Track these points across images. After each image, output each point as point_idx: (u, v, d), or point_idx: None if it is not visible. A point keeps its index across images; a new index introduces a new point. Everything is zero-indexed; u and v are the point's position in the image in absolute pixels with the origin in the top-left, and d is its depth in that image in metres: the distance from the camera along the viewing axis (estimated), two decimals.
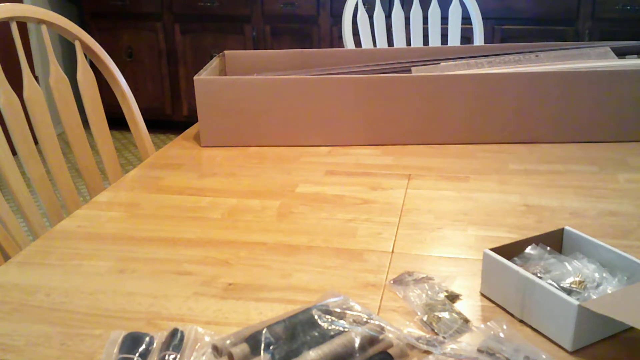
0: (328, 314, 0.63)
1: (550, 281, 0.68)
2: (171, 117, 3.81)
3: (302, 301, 0.72)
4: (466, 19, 2.20)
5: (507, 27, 3.20)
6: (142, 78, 3.75)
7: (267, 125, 1.24)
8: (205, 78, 1.22)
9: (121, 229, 0.92)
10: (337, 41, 3.41)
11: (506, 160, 1.15)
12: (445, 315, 0.67)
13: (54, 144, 1.21)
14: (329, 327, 0.61)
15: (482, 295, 0.72)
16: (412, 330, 0.66)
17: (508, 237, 0.87)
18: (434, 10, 2.18)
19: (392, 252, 0.83)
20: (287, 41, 3.49)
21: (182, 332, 0.63)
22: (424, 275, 0.76)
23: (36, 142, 1.17)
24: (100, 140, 1.31)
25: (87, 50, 1.31)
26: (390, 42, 2.28)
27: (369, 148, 1.23)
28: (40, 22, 1.22)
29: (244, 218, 0.94)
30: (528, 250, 0.73)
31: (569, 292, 0.67)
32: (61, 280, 0.78)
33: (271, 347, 0.58)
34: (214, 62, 1.41)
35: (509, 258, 0.71)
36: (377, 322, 0.62)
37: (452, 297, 0.71)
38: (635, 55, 1.38)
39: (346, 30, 2.06)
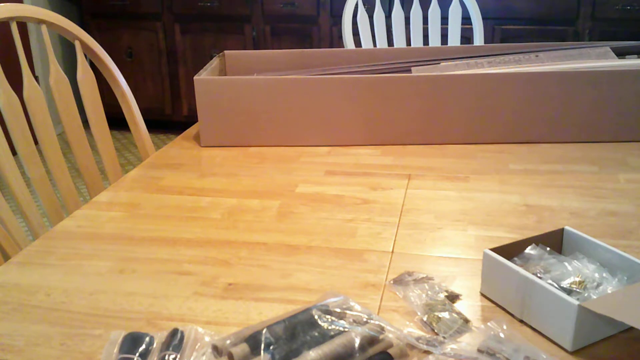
0: (328, 314, 0.63)
1: (550, 281, 0.68)
2: (171, 117, 3.81)
3: (302, 301, 0.72)
4: (466, 19, 2.20)
5: (507, 27, 3.20)
6: (142, 78, 3.75)
7: (267, 125, 1.24)
8: (205, 78, 1.22)
9: (121, 229, 0.92)
10: (337, 41, 3.41)
11: (506, 160, 1.15)
12: (445, 315, 0.67)
13: (54, 144, 1.21)
14: (329, 327, 0.61)
15: (482, 295, 0.72)
16: (412, 330, 0.66)
17: (508, 237, 0.87)
18: (434, 10, 2.18)
19: (392, 252, 0.83)
20: (287, 41, 3.49)
21: (182, 332, 0.63)
22: (424, 275, 0.76)
23: (36, 142, 1.17)
24: (100, 140, 1.31)
25: (87, 50, 1.31)
26: (390, 42, 2.28)
27: (369, 148, 1.23)
28: (40, 22, 1.22)
29: (244, 218, 0.94)
30: (528, 250, 0.73)
31: (569, 292, 0.67)
32: (61, 280, 0.78)
33: (271, 347, 0.58)
34: (214, 62, 1.41)
35: (509, 258, 0.71)
36: (377, 322, 0.62)
37: (452, 297, 0.71)
38: (635, 55, 1.38)
39: (346, 30, 2.06)
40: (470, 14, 2.18)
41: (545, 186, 1.03)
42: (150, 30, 3.65)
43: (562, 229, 0.76)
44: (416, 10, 2.17)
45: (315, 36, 3.44)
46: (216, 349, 0.60)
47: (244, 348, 0.59)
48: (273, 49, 2.74)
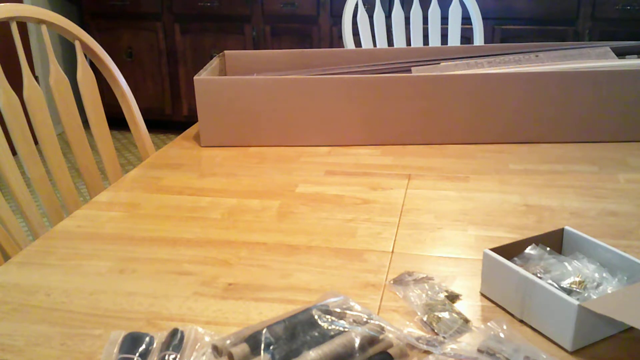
0: (328, 314, 0.63)
1: (550, 281, 0.68)
2: (171, 117, 3.81)
3: (302, 301, 0.72)
4: (466, 19, 2.20)
5: (507, 27, 3.20)
6: (142, 78, 3.75)
7: (267, 125, 1.24)
8: (205, 78, 1.22)
9: (121, 229, 0.92)
10: (337, 41, 3.41)
11: (506, 160, 1.15)
12: (445, 315, 0.67)
13: (54, 144, 1.21)
14: (329, 327, 0.61)
15: (482, 295, 0.72)
16: (412, 330, 0.66)
17: (508, 237, 0.87)
18: (434, 10, 2.18)
19: (392, 252, 0.83)
20: (287, 41, 3.49)
21: (182, 332, 0.63)
22: (424, 275, 0.76)
23: (36, 142, 1.17)
24: (100, 140, 1.31)
25: (87, 50, 1.31)
26: (390, 42, 2.28)
27: (369, 148, 1.23)
28: (40, 22, 1.22)
29: (244, 218, 0.94)
30: (528, 250, 0.73)
31: (569, 292, 0.67)
32: (61, 280, 0.78)
33: (271, 347, 0.58)
34: (214, 62, 1.41)
35: (509, 258, 0.71)
36: (377, 322, 0.62)
37: (452, 297, 0.71)
38: (635, 55, 1.38)
39: (346, 30, 2.06)
40: (470, 14, 2.18)
41: (545, 186, 1.03)
42: (150, 30, 3.65)
43: (562, 229, 0.76)
44: (416, 10, 2.17)
45: (315, 36, 3.44)
46: (216, 349, 0.60)
47: (244, 348, 0.59)
48: (273, 49, 2.74)
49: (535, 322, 0.66)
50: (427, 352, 0.61)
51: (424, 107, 1.22)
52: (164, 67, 3.70)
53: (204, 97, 1.23)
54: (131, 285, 0.76)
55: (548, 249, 0.73)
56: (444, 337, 0.64)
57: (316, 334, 0.60)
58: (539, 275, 0.69)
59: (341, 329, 0.61)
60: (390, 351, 0.60)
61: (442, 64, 1.34)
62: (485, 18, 2.76)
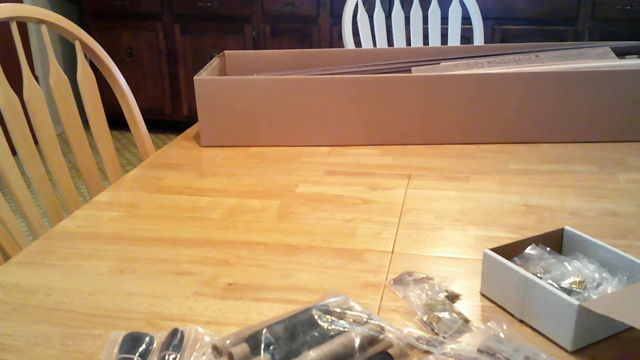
0: (328, 314, 0.63)
1: (550, 281, 0.68)
2: (171, 117, 3.81)
3: (302, 301, 0.72)
4: (466, 19, 2.20)
5: (507, 27, 3.20)
6: (142, 78, 3.75)
7: (267, 125, 1.24)
8: (205, 78, 1.22)
9: (121, 229, 0.92)
10: (337, 41, 3.41)
11: (506, 160, 1.15)
12: (445, 315, 0.67)
13: (54, 144, 1.21)
14: (329, 327, 0.61)
15: (482, 295, 0.72)
16: (412, 330, 0.66)
17: (508, 237, 0.87)
18: (434, 10, 2.18)
19: (392, 252, 0.83)
20: (287, 41, 3.49)
21: (182, 332, 0.63)
22: (424, 275, 0.76)
23: (36, 142, 1.17)
24: (100, 140, 1.31)
25: (87, 50, 1.31)
26: (390, 42, 2.28)
27: (369, 148, 1.23)
28: (40, 22, 1.22)
29: (244, 218, 0.94)
30: (528, 250, 0.73)
31: (569, 292, 0.67)
32: (61, 280, 0.78)
33: (271, 347, 0.58)
34: (214, 62, 1.41)
35: (509, 258, 0.71)
36: (377, 322, 0.62)
37: (452, 297, 0.71)
38: (635, 55, 1.38)
39: (346, 30, 2.06)
40: (470, 14, 2.18)
41: (545, 186, 1.03)
42: (150, 30, 3.65)
43: (562, 229, 0.76)
44: (416, 10, 2.17)
45: (315, 36, 3.44)
46: (216, 349, 0.60)
47: (244, 348, 0.59)
48: (273, 49, 2.74)
49: (535, 322, 0.66)
50: (427, 352, 0.61)
51: (424, 107, 1.22)
52: (164, 67, 3.70)
53: (204, 97, 1.23)
54: (131, 285, 0.76)
55: (548, 249, 0.73)
56: (444, 337, 0.64)
57: (316, 334, 0.60)
58: (539, 275, 0.69)
59: (341, 329, 0.61)
60: (390, 351, 0.60)
61: (442, 64, 1.34)
62: (485, 18, 2.76)
